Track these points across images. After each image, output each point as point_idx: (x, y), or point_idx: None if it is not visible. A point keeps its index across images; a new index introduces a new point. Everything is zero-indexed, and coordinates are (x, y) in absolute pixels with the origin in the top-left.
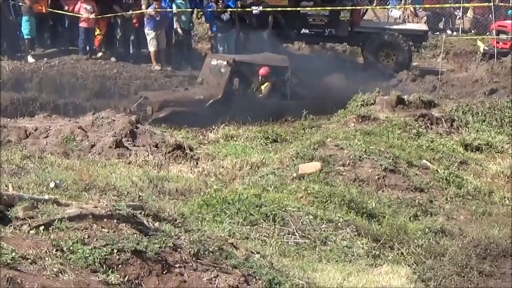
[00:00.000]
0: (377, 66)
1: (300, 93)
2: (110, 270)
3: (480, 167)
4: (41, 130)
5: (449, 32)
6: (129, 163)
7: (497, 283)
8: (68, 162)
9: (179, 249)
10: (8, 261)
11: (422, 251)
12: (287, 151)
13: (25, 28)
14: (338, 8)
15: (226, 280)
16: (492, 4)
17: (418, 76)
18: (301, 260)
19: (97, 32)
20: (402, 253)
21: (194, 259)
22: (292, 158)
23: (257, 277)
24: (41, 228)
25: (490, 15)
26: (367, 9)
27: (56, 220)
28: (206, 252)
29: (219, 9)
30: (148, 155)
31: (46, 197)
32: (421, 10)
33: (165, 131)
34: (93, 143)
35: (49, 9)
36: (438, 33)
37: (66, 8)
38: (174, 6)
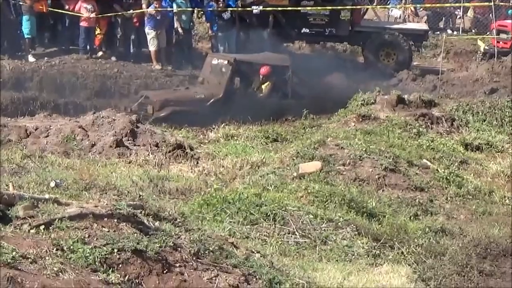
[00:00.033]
0: (377, 65)
1: (300, 92)
2: (111, 270)
3: (480, 166)
4: (41, 130)
5: (449, 31)
6: (129, 163)
7: (497, 283)
8: (68, 161)
9: (179, 249)
10: (8, 261)
11: (422, 251)
12: (288, 151)
13: (26, 27)
14: (339, 7)
15: (226, 280)
16: (492, 3)
17: (418, 75)
18: (301, 259)
19: (98, 31)
20: (402, 253)
21: (194, 258)
22: (292, 158)
23: (257, 277)
24: (42, 227)
25: (491, 15)
26: (367, 9)
27: (57, 220)
28: (207, 252)
29: (219, 8)
30: (148, 154)
31: (47, 196)
32: (421, 9)
33: (166, 131)
34: (93, 143)
35: (50, 9)
36: (438, 32)
37: (66, 7)
38: (174, 5)
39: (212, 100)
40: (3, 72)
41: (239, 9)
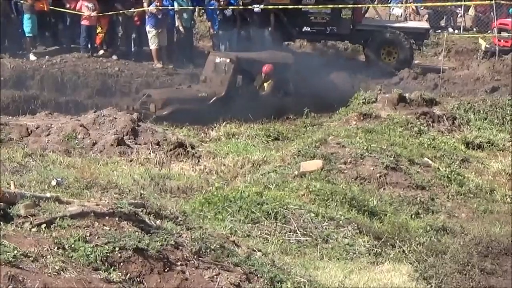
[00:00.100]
0: (378, 64)
1: (302, 91)
2: (112, 268)
3: (481, 165)
4: (42, 128)
5: (450, 30)
6: (130, 161)
7: (498, 281)
8: (69, 160)
9: (180, 247)
10: (9, 259)
11: (423, 249)
12: (289, 149)
13: (27, 26)
14: (340, 6)
15: (227, 278)
16: (493, 2)
17: (419, 74)
18: (303, 258)
19: (99, 30)
20: (403, 251)
21: (195, 257)
22: (293, 156)
23: (258, 275)
24: (43, 226)
25: (492, 13)
26: (368, 7)
27: (58, 218)
28: (208, 250)
29: (220, 7)
30: (149, 153)
31: (48, 195)
32: (422, 8)
33: (167, 129)
34: (94, 141)
35: (51, 7)
36: (439, 31)
37: (67, 6)
38: (175, 4)
39: (214, 99)
40: (5, 70)
41: (240, 7)
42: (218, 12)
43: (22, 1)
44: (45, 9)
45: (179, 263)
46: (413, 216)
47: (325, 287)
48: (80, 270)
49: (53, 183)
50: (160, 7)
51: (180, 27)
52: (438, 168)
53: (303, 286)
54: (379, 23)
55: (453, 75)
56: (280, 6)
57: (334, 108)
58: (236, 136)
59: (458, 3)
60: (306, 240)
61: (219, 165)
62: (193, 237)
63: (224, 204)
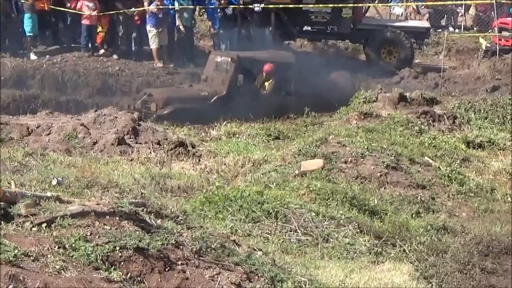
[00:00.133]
0: (379, 63)
1: (303, 90)
2: (113, 267)
3: (482, 164)
4: (43, 127)
5: (451, 29)
6: (131, 160)
7: (499, 280)
8: (70, 159)
9: (181, 246)
10: (10, 258)
11: (424, 248)
12: (289, 148)
13: (27, 25)
14: (340, 5)
15: (228, 277)
16: (494, 1)
17: (420, 73)
18: (303, 257)
19: (99, 29)
20: (404, 250)
21: (196, 256)
22: (294, 155)
23: (259, 274)
24: (44, 225)
25: (492, 12)
26: (369, 6)
27: (59, 217)
28: (208, 249)
29: (221, 6)
30: (150, 152)
31: (49, 194)
32: (423, 7)
33: (167, 128)
34: (95, 140)
35: (51, 7)
36: (440, 30)
37: (68, 5)
38: (176, 3)
39: (215, 98)
40: (5, 70)
41: (241, 6)
42: (218, 11)
43: (22, 1)
44: (46, 8)
45: (179, 263)
46: (413, 215)
47: (325, 286)
48: (80, 269)
49: (54, 182)
50: (161, 7)
51: (181, 27)
52: (439, 167)
53: (303, 286)
54: (379, 22)
55: (453, 74)
56: (281, 5)
57: (334, 107)
58: (237, 135)
59: (459, 2)
60: (307, 239)
61: (220, 164)
62: (193, 236)
63: (224, 203)
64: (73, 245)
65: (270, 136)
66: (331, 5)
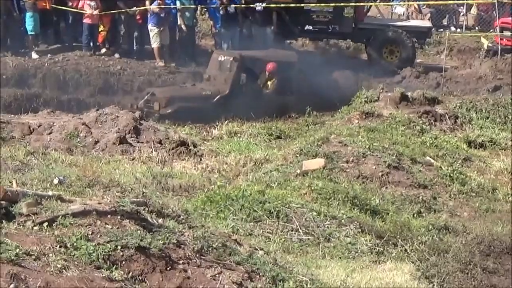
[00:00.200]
0: (380, 62)
1: (305, 89)
2: (114, 267)
3: (483, 164)
4: (44, 126)
5: (453, 29)
6: (132, 160)
7: (500, 280)
8: (71, 158)
9: (182, 246)
10: (12, 257)
11: (425, 248)
12: (291, 148)
13: (29, 24)
14: (342, 4)
15: (229, 277)
16: (496, 1)
17: (421, 72)
18: (305, 256)
19: (101, 28)
20: (405, 250)
21: (197, 255)
22: (295, 155)
23: (260, 274)
24: (45, 224)
25: (494, 12)
26: (371, 6)
27: (60, 216)
28: (210, 249)
29: (223, 5)
30: (151, 151)
31: (50, 193)
32: (425, 6)
33: (169, 128)
34: (96, 140)
35: (53, 5)
36: (442, 29)
37: (70, 4)
38: (178, 2)
39: (218, 97)
40: (7, 69)
41: (243, 6)
42: (220, 9)
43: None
44: (47, 7)
45: (181, 262)
46: (415, 215)
47: (327, 286)
48: (82, 268)
49: (55, 181)
50: (163, 6)
51: (182, 26)
52: (440, 167)
53: (305, 285)
54: (381, 22)
55: (455, 74)
56: (282, 5)
57: (336, 106)
58: (238, 135)
59: (461, 1)
60: (308, 238)
61: (221, 163)
62: (195, 235)
63: (226, 202)
64: (75, 244)
65: (271, 135)
66: (333, 4)
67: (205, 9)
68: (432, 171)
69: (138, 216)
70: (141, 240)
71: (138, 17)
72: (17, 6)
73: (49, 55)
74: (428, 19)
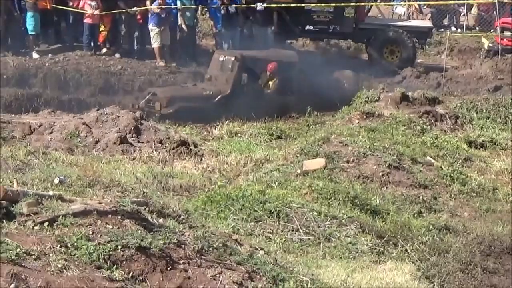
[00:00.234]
0: (381, 62)
1: (306, 89)
2: (115, 266)
3: (484, 164)
4: (45, 126)
5: (453, 29)
6: (133, 159)
7: (500, 280)
8: (72, 158)
9: (183, 246)
10: (12, 257)
11: (426, 248)
12: (292, 148)
13: (30, 24)
14: (343, 4)
15: (230, 277)
16: (496, 1)
17: (422, 72)
18: (305, 256)
19: (102, 28)
20: (406, 250)
21: (198, 255)
22: (296, 155)
23: (261, 274)
24: (46, 224)
25: (495, 12)
26: (371, 6)
27: (61, 216)
28: (210, 249)
29: (224, 5)
30: (152, 151)
31: (51, 193)
32: (425, 7)
33: (170, 127)
34: (97, 139)
35: (54, 5)
36: (442, 30)
37: (70, 4)
38: (178, 2)
39: (219, 97)
40: (7, 68)
41: (243, 5)
42: (221, 9)
43: None
44: (48, 7)
45: (181, 262)
46: (415, 215)
47: (327, 286)
48: (82, 268)
49: (56, 181)
50: (163, 6)
51: (183, 26)
52: (441, 167)
53: (305, 285)
54: (382, 22)
55: (456, 74)
56: (283, 5)
57: (337, 106)
58: (239, 135)
59: (461, 1)
60: (309, 238)
61: (222, 163)
62: (195, 235)
63: (226, 202)
64: (75, 244)
65: (272, 135)
66: (333, 5)
67: (206, 9)
68: (432, 171)
69: (139, 216)
70: (141, 240)
71: (138, 17)
72: (17, 6)
73: (49, 55)
74: (429, 19)
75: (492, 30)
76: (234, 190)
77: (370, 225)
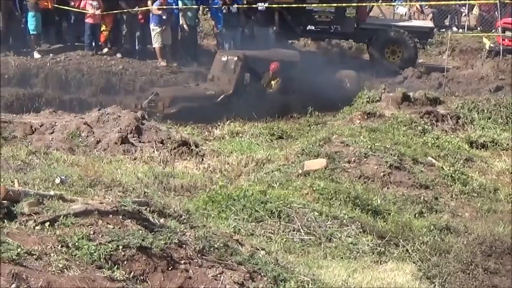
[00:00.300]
0: (382, 63)
1: (307, 89)
2: (116, 266)
3: (485, 164)
4: (46, 126)
5: (454, 29)
6: (134, 159)
7: (502, 281)
8: (73, 158)
9: (184, 246)
10: (13, 257)
11: (427, 248)
12: (293, 148)
13: (31, 24)
14: (344, 4)
15: (231, 277)
16: (498, 1)
17: (423, 73)
18: (306, 256)
19: (103, 28)
20: (407, 250)
21: (199, 255)
22: (297, 155)
23: (262, 274)
24: (47, 224)
25: (496, 12)
26: (373, 6)
27: (62, 216)
28: (211, 249)
29: (225, 5)
30: (153, 151)
31: (52, 193)
32: (427, 7)
33: (171, 127)
34: (98, 139)
35: (55, 5)
36: (444, 30)
37: (72, 4)
38: (180, 2)
39: (222, 97)
40: (9, 68)
41: (245, 5)
42: (223, 9)
43: None
44: (50, 7)
45: (182, 262)
46: (416, 215)
47: (328, 286)
48: (83, 268)
49: (57, 181)
50: (164, 6)
51: (185, 26)
52: (442, 167)
53: (306, 285)
54: (383, 22)
55: (457, 74)
56: (285, 5)
57: (338, 106)
58: (240, 135)
59: (463, 2)
60: (310, 239)
61: (223, 163)
62: (196, 235)
63: (227, 202)
64: (76, 244)
65: (273, 135)
66: (335, 5)
67: (207, 9)
68: (433, 171)
69: (140, 216)
70: (142, 240)
71: (140, 16)
72: (19, 6)
73: (51, 54)
74: (430, 20)
75: (493, 31)
76: (235, 190)
77: (371, 225)
